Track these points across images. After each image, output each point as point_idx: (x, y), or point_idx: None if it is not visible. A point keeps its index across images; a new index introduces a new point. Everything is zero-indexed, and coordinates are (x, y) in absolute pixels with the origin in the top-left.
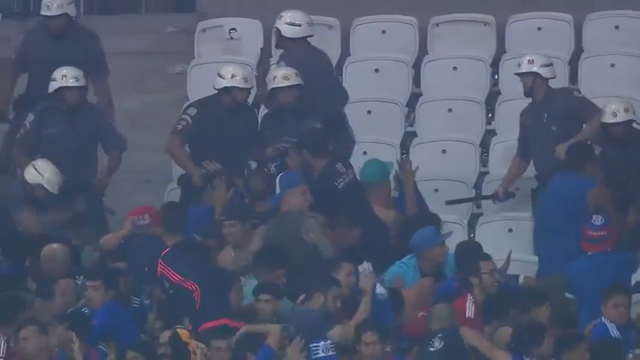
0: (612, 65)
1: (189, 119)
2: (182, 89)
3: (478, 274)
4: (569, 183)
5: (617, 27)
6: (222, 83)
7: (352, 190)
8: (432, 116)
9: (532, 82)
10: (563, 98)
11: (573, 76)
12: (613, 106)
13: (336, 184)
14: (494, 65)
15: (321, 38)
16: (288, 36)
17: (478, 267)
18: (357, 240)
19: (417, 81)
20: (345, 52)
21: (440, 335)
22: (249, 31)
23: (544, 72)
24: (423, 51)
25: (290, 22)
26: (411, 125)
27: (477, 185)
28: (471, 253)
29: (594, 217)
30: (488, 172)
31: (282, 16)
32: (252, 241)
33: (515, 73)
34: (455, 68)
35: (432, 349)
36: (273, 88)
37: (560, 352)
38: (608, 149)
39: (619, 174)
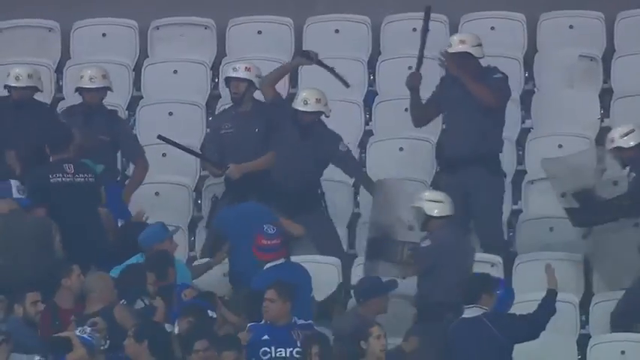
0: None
1: None
2: None
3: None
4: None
5: (337, 31)
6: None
7: (71, 191)
8: (153, 120)
9: (245, 89)
10: (271, 112)
11: None
12: (304, 94)
13: (49, 176)
14: (215, 69)
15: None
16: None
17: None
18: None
19: (137, 84)
20: (66, 56)
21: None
22: None
23: (257, 81)
24: (144, 54)
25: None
26: (132, 128)
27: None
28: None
29: (266, 226)
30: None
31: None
32: None
33: (228, 77)
34: (175, 71)
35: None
36: (80, 88)
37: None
38: (290, 133)
39: (297, 162)
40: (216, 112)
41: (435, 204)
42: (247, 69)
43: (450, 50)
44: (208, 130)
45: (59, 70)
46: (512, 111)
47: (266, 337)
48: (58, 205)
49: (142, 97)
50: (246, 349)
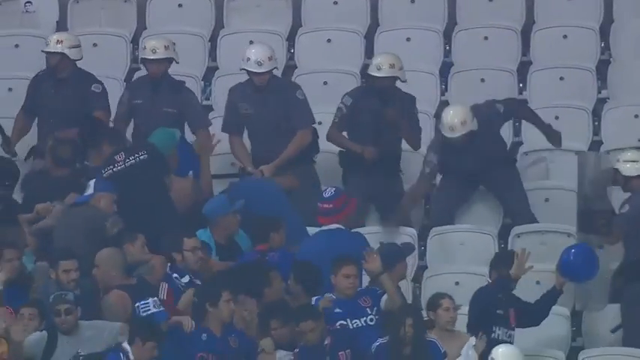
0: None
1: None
2: None
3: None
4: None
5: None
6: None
7: (125, 176)
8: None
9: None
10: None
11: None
12: (379, 59)
13: (103, 171)
14: (290, 39)
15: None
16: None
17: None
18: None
19: (212, 54)
20: (142, 26)
21: None
22: (45, 3)
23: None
24: (219, 24)
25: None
26: (207, 99)
27: None
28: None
29: (328, 189)
30: None
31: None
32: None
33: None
34: (251, 42)
35: None
36: (143, 59)
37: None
38: (365, 102)
39: (374, 127)
40: (234, 86)
41: (632, 164)
42: (270, 59)
43: (454, 135)
44: (226, 103)
45: (135, 41)
46: (588, 81)
47: (338, 309)
48: (120, 193)
49: (217, 68)
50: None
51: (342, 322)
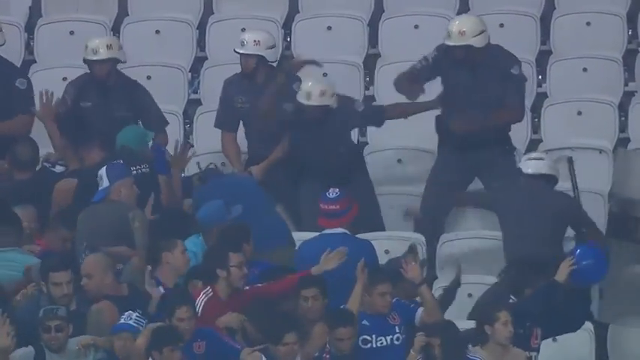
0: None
1: None
2: None
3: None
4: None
5: None
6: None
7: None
8: (220, 83)
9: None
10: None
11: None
12: (309, 85)
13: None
14: (287, 27)
15: None
16: None
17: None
18: None
19: (201, 43)
20: (123, 12)
21: None
22: None
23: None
24: (208, 10)
25: None
26: (195, 92)
27: None
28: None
29: (331, 190)
30: None
31: None
32: None
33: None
34: (243, 29)
35: None
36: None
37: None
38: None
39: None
40: (229, 77)
41: None
42: (256, 42)
43: (449, 43)
44: (221, 95)
45: (116, 29)
46: (614, 73)
47: (365, 322)
48: None
49: (206, 58)
50: None
51: (365, 336)
